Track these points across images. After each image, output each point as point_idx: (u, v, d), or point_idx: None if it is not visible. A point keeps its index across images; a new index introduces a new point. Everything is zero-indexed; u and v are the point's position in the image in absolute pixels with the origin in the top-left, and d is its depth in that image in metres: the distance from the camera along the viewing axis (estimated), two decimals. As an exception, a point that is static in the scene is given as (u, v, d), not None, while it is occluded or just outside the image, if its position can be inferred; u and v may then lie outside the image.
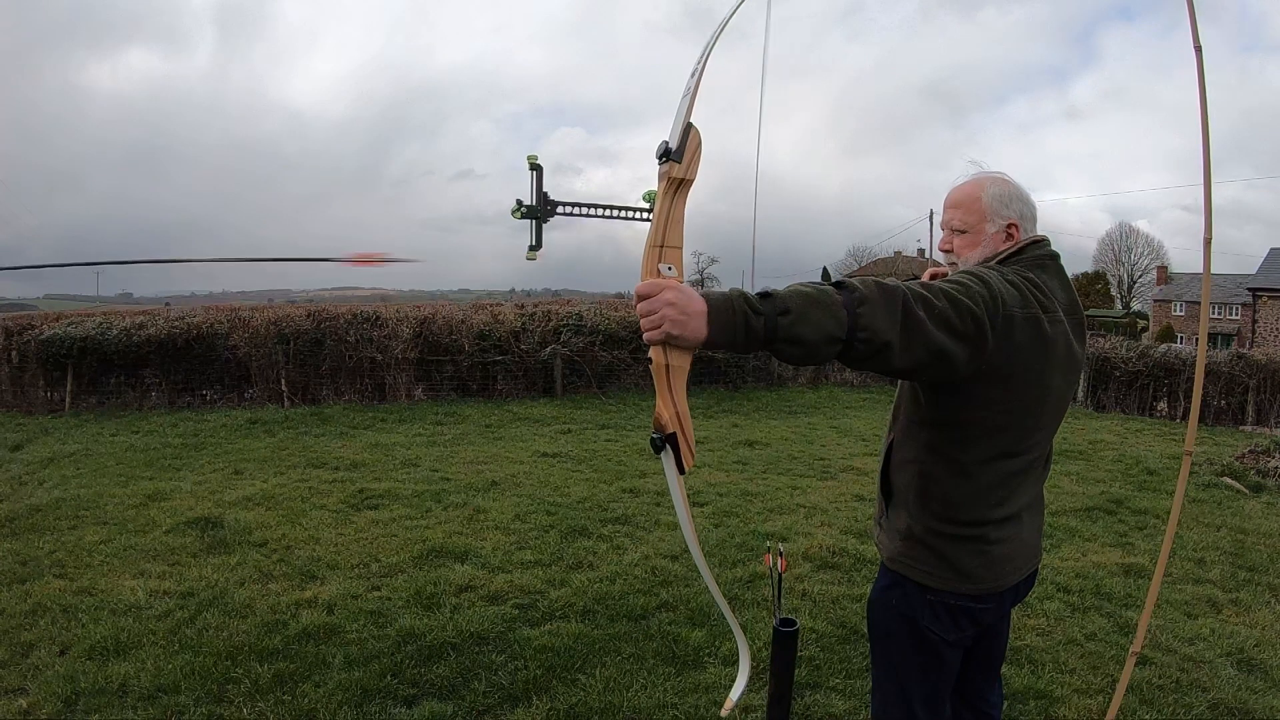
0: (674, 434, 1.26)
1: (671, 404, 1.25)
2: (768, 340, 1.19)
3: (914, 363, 1.30)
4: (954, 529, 1.58)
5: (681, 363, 1.24)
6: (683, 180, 1.31)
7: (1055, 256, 1.61)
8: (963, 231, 1.65)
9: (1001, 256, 1.61)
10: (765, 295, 1.20)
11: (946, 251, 1.71)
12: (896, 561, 1.65)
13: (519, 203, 1.81)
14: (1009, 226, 1.62)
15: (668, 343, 1.20)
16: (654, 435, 1.27)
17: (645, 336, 1.21)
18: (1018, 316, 1.42)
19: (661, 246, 1.27)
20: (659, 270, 1.26)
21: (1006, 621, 1.85)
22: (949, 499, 1.57)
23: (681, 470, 1.28)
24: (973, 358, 1.36)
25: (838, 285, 1.24)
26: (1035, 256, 1.59)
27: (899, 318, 1.24)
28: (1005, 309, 1.39)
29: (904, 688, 1.67)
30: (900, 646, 1.67)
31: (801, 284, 1.24)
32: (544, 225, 1.62)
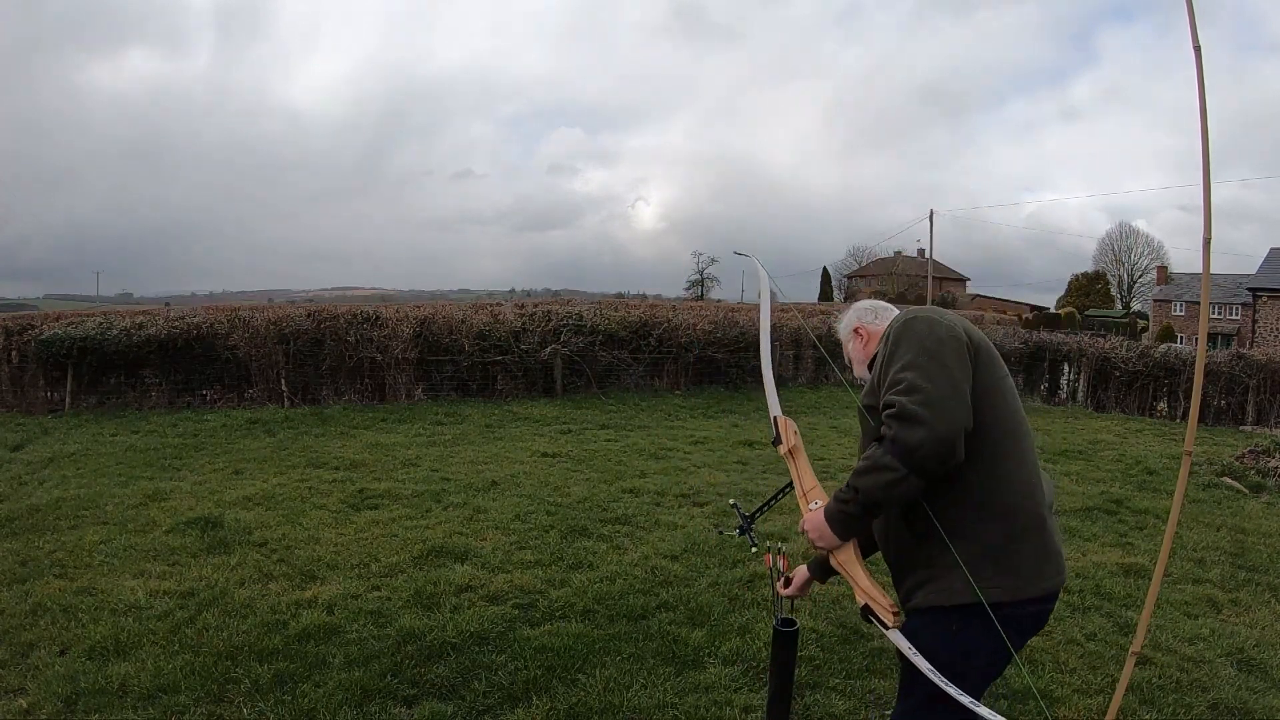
0: (866, 605, 1.65)
1: (857, 586, 1.67)
2: (866, 510, 1.62)
3: (962, 405, 1.55)
4: (1018, 525, 1.60)
5: (844, 556, 1.69)
6: (790, 450, 1.90)
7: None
8: (850, 359, 2.03)
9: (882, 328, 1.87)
10: (843, 494, 1.63)
11: (860, 381, 2.00)
12: (960, 595, 1.58)
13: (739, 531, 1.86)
14: (855, 331, 1.99)
15: (828, 550, 1.72)
16: (861, 608, 1.68)
17: (821, 543, 1.72)
18: (962, 324, 1.69)
19: (805, 494, 1.82)
20: (809, 507, 1.78)
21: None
22: (1001, 491, 1.61)
23: (886, 626, 1.64)
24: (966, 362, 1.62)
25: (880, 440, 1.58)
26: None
27: (926, 413, 1.51)
28: (954, 330, 1.65)
29: (949, 711, 1.56)
30: (966, 675, 1.57)
31: (869, 455, 1.60)
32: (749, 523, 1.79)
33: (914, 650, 1.58)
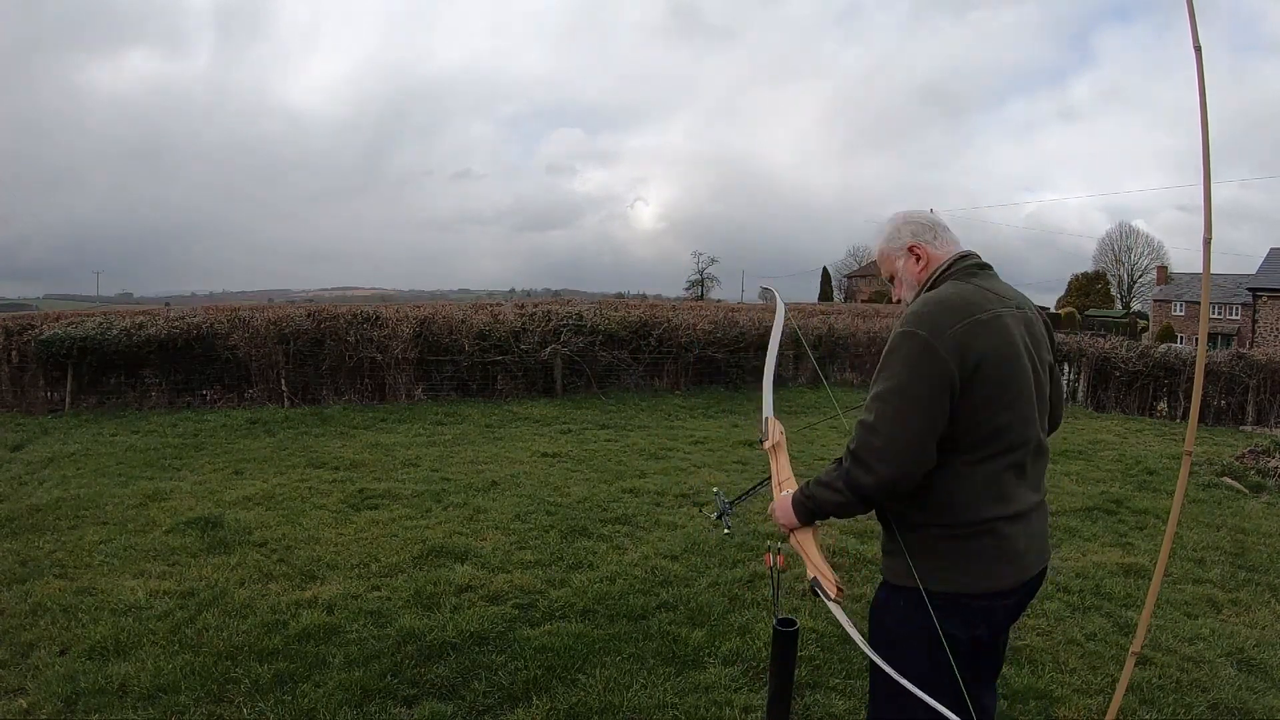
0: (815, 578, 1.75)
1: (809, 560, 1.77)
2: (822, 512, 1.74)
3: (918, 458, 1.56)
4: (964, 530, 1.60)
5: (802, 535, 1.80)
6: (773, 446, 2.02)
7: (986, 266, 1.76)
8: (892, 278, 1.87)
9: (935, 276, 1.73)
10: (808, 488, 1.74)
11: (899, 301, 1.88)
12: (903, 577, 1.66)
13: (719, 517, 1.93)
14: (910, 250, 1.81)
15: (788, 530, 1.82)
16: (809, 583, 1.77)
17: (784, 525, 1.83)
18: (971, 326, 1.58)
19: (780, 484, 1.95)
20: (779, 494, 1.89)
21: (1004, 628, 1.85)
22: (953, 502, 1.60)
23: (829, 598, 1.72)
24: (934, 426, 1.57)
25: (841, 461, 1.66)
26: (966, 268, 1.74)
27: (877, 463, 1.56)
28: (945, 368, 1.56)
29: (906, 691, 1.66)
30: (906, 651, 1.65)
31: (830, 471, 1.69)
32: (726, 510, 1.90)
33: (851, 623, 1.69)
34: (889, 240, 1.84)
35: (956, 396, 1.56)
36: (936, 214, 1.87)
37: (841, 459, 1.66)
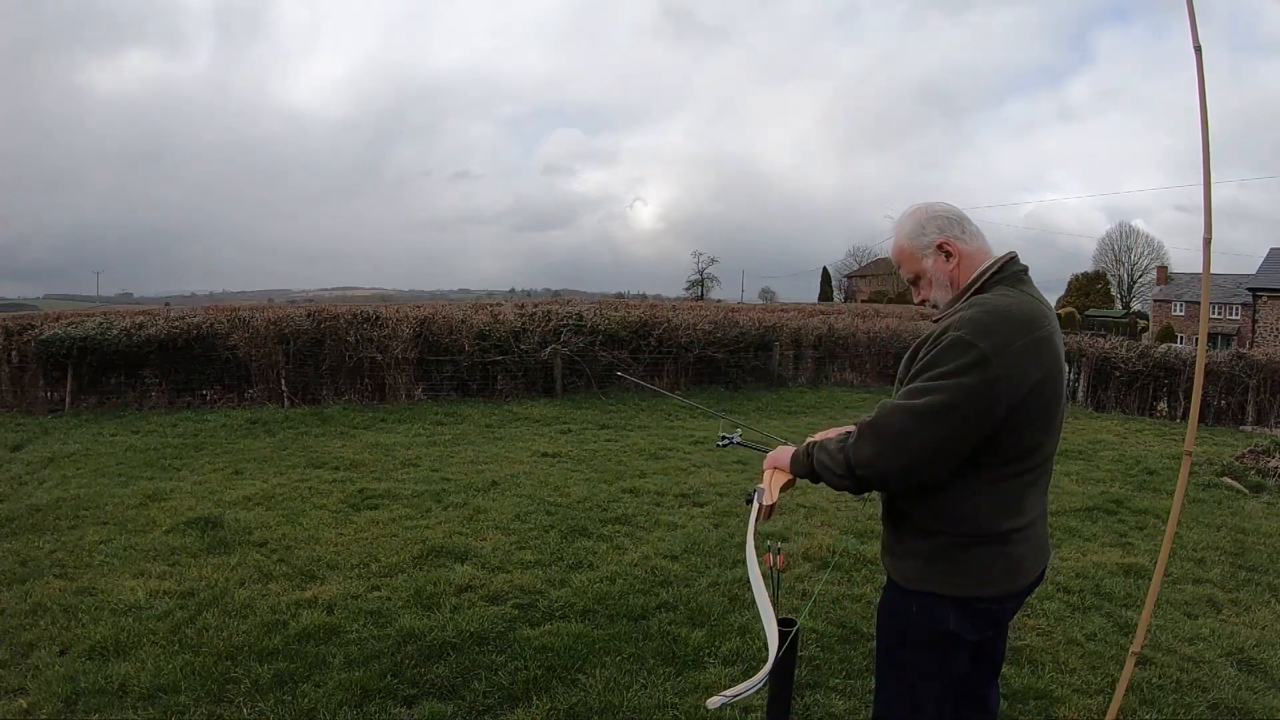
0: (761, 489, 1.85)
1: (767, 485, 1.85)
2: (810, 473, 1.72)
3: (925, 467, 1.51)
4: (975, 540, 1.60)
5: (780, 476, 1.85)
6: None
7: (1026, 269, 1.68)
8: (917, 279, 1.73)
9: (984, 279, 1.64)
10: (813, 448, 1.71)
11: (923, 302, 1.79)
12: (914, 581, 1.65)
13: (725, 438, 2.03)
14: (939, 247, 1.68)
15: (773, 468, 1.86)
16: (751, 491, 1.88)
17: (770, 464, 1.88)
18: (1030, 346, 1.51)
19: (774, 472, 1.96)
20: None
21: (1006, 625, 1.86)
22: (970, 513, 1.59)
23: (758, 508, 1.82)
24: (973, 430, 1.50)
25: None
26: (1016, 273, 1.65)
27: (883, 454, 1.52)
28: (1007, 387, 1.48)
29: (915, 691, 1.67)
30: (916, 651, 1.66)
31: (842, 434, 1.67)
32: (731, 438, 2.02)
33: (761, 587, 1.70)
34: (913, 237, 1.69)
35: (999, 419, 1.49)
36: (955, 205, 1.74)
37: (849, 434, 1.62)
